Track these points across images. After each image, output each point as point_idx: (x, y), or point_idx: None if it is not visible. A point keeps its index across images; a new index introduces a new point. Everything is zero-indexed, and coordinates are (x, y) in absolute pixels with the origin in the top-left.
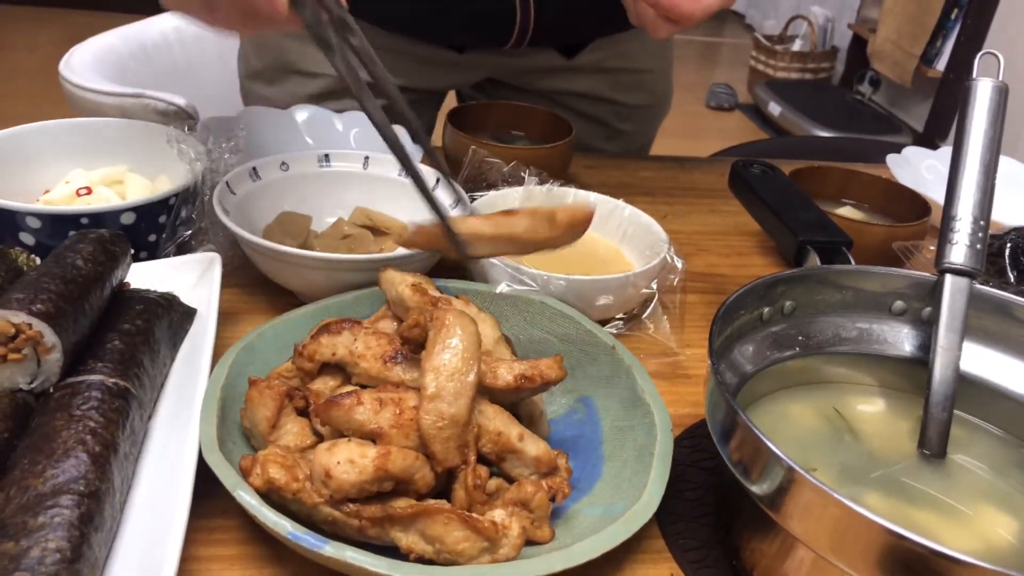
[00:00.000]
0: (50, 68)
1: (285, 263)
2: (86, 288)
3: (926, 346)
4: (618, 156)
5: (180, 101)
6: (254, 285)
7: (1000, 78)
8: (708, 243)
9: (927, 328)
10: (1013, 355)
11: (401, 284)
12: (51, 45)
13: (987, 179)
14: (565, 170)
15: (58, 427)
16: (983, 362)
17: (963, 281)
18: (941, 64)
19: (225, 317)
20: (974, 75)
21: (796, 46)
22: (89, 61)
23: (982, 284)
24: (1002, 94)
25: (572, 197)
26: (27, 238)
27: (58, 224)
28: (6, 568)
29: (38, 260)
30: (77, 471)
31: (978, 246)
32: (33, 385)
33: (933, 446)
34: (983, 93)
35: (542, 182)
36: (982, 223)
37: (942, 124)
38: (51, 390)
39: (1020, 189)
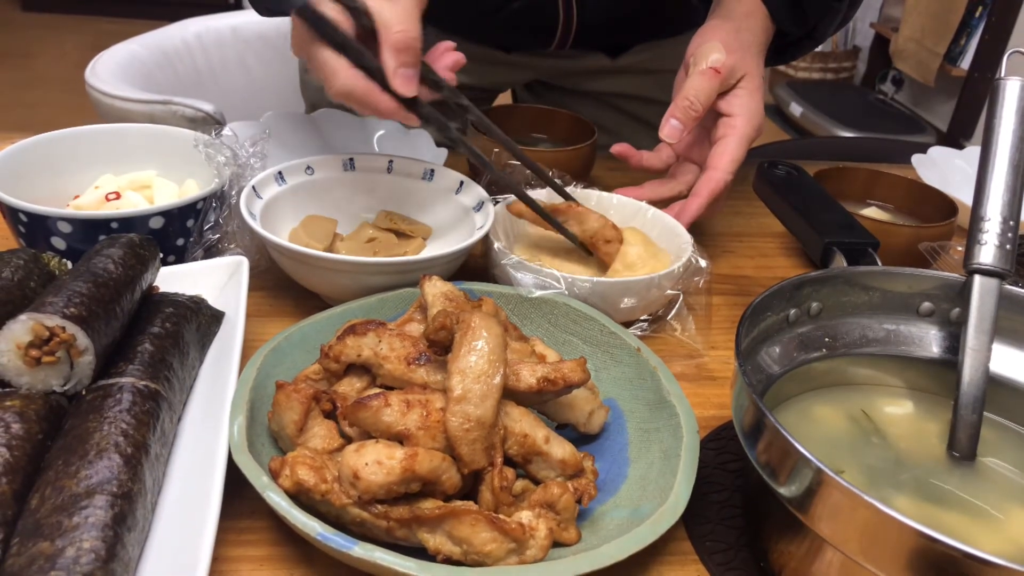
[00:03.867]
0: (76, 75)
1: (311, 266)
2: (117, 292)
3: (954, 348)
4: None
5: (208, 107)
6: (280, 288)
7: None
8: (733, 245)
9: (955, 329)
10: None
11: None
12: (76, 52)
13: (1016, 179)
14: (588, 172)
15: (91, 429)
16: (1013, 364)
17: (992, 282)
18: (965, 63)
19: (252, 319)
20: (1002, 74)
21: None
22: (114, 68)
23: (1012, 284)
24: None
25: (595, 199)
26: (58, 242)
27: (89, 228)
28: (42, 567)
29: (69, 264)
30: (110, 472)
31: (1007, 246)
32: (66, 387)
33: (963, 448)
34: (1012, 92)
35: (565, 184)
36: (1011, 223)
37: (967, 124)
38: (83, 392)
39: None
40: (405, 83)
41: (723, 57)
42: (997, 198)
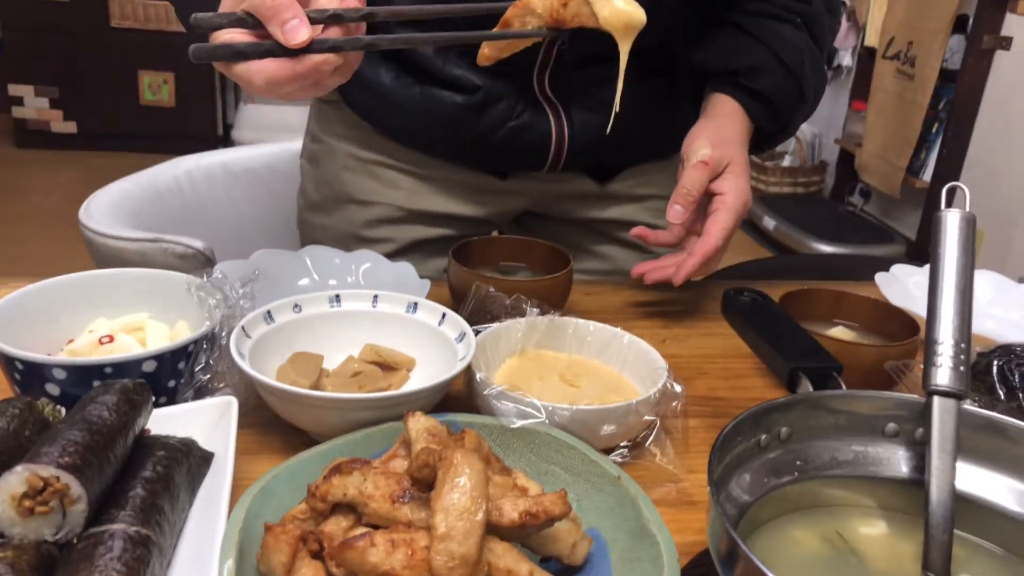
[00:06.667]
0: (67, 208)
1: (297, 404)
2: (111, 438)
3: (922, 467)
4: (615, 282)
5: (198, 244)
6: (268, 424)
7: (967, 208)
8: (707, 366)
9: (921, 449)
10: (1007, 474)
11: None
12: (68, 186)
13: (963, 303)
14: (565, 299)
15: None
16: (978, 481)
17: (951, 403)
18: (927, 175)
19: (241, 457)
20: (942, 205)
21: (786, 162)
22: (107, 207)
23: (973, 401)
24: (970, 223)
25: (572, 328)
26: (52, 388)
27: (83, 374)
28: None
29: (63, 411)
30: None
31: (961, 368)
32: (58, 536)
33: (937, 568)
34: (952, 223)
35: (543, 313)
36: (963, 345)
37: None
38: (75, 541)
39: (1007, 303)
40: (292, 33)
41: (710, 151)
42: (948, 322)
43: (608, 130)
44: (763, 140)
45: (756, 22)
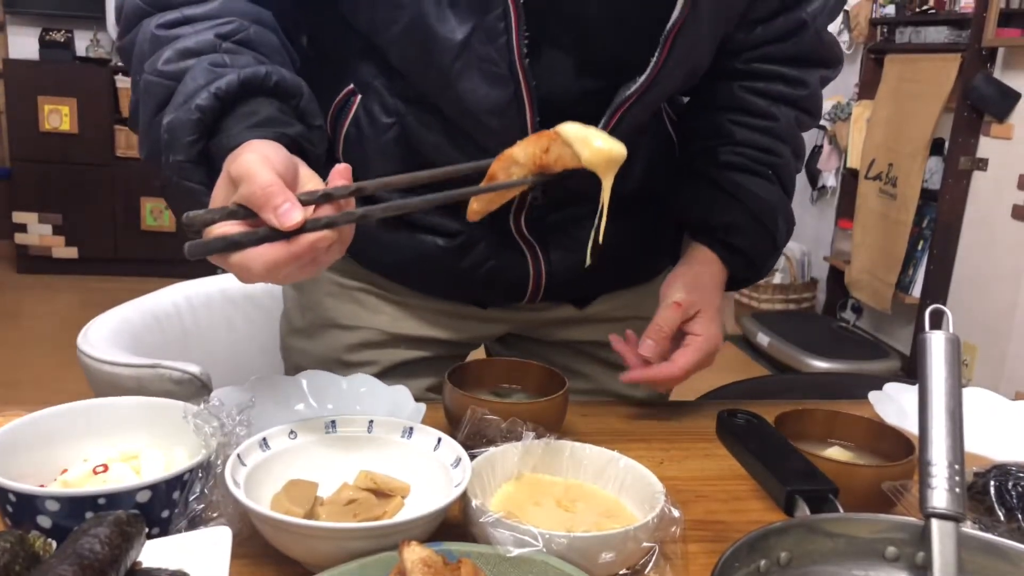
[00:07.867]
0: (65, 333)
1: (291, 533)
2: (102, 573)
3: None
4: (611, 403)
5: (194, 369)
6: (262, 555)
7: (951, 329)
8: (705, 489)
9: (923, 572)
10: None
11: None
12: (68, 310)
13: (954, 424)
14: (561, 421)
15: None
16: None
17: (949, 525)
18: (916, 291)
19: None
20: (927, 328)
21: (777, 279)
22: (105, 334)
23: (973, 524)
24: (954, 345)
25: (568, 451)
26: (44, 520)
27: (76, 506)
28: None
29: (54, 545)
30: None
31: (957, 489)
32: None
33: None
34: (937, 345)
35: (539, 436)
36: (956, 467)
37: None
38: None
39: (1001, 421)
40: (286, 216)
41: (684, 296)
42: (940, 444)
43: (587, 262)
44: (738, 283)
45: (729, 177)
